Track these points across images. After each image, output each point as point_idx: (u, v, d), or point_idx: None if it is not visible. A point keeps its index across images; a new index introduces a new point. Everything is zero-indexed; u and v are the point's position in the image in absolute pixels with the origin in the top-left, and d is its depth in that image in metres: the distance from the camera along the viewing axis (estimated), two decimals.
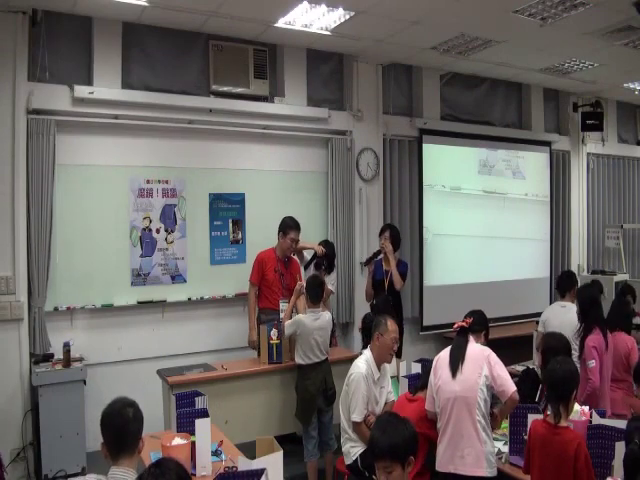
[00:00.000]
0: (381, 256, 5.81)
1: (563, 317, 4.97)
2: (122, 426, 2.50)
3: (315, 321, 4.75)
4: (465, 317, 3.73)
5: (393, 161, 6.97)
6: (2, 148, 4.89)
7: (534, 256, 8.17)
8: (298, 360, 4.78)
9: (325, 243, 5.89)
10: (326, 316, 4.88)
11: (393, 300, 5.55)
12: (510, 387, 3.39)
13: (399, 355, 4.85)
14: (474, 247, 7.53)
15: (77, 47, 5.28)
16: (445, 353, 3.58)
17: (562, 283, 5.42)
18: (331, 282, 5.79)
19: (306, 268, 5.79)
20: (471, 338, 3.59)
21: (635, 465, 2.38)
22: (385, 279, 5.73)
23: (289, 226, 5.42)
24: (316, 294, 4.80)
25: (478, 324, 3.82)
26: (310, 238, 6.08)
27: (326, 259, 5.74)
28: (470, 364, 3.42)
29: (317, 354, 4.76)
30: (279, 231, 5.46)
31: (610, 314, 4.96)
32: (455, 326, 3.61)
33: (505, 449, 3.57)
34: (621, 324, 4.80)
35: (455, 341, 3.58)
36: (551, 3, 5.01)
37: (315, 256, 5.73)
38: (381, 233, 5.89)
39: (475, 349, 3.52)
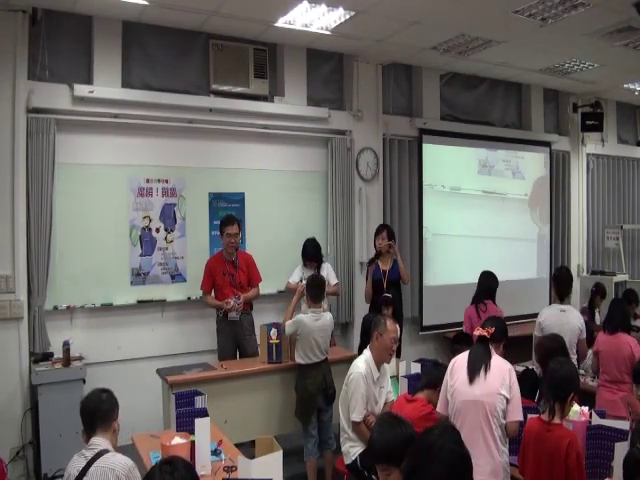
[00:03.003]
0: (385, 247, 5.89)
1: (563, 322, 4.91)
2: (94, 406, 2.82)
3: (316, 321, 4.75)
4: (486, 325, 3.61)
5: (393, 161, 6.97)
6: (2, 147, 4.89)
7: (534, 256, 8.18)
8: (298, 360, 4.78)
9: (307, 242, 5.86)
10: (327, 317, 4.88)
11: (395, 297, 5.60)
12: (517, 415, 3.30)
13: (398, 355, 4.85)
14: (474, 247, 7.53)
15: (77, 46, 5.28)
16: (463, 357, 3.49)
17: (560, 286, 5.35)
18: (332, 276, 5.86)
19: None
20: (492, 349, 3.49)
21: (635, 468, 2.38)
22: (383, 279, 5.81)
23: (224, 223, 5.43)
24: (316, 293, 4.80)
25: (500, 334, 3.76)
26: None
27: (311, 257, 5.79)
28: (493, 373, 3.35)
29: (317, 354, 4.76)
30: (220, 232, 5.49)
31: (610, 315, 4.95)
32: (476, 334, 3.51)
33: None
34: (622, 325, 4.78)
35: (475, 348, 3.47)
36: (551, 3, 5.01)
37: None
38: (378, 233, 5.94)
39: (498, 361, 3.44)
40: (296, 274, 5.84)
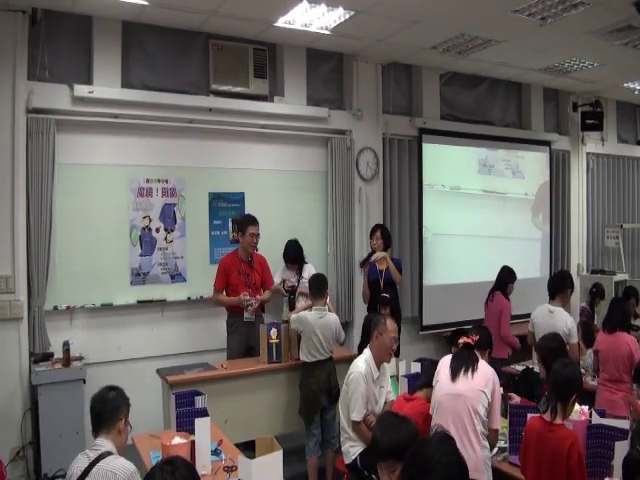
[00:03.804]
0: (375, 256, 5.85)
1: (550, 323, 4.92)
2: (99, 407, 2.81)
3: (320, 319, 4.77)
4: (471, 333, 3.70)
5: (393, 161, 6.97)
6: (2, 147, 4.88)
7: (534, 256, 8.17)
8: (303, 357, 4.81)
9: (288, 243, 5.89)
10: (332, 317, 4.90)
11: (392, 296, 5.60)
12: (497, 423, 3.42)
13: (397, 354, 4.85)
14: (474, 247, 7.53)
15: (77, 46, 5.28)
16: (449, 357, 3.59)
17: (553, 284, 5.37)
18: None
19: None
20: (479, 355, 3.57)
21: (635, 469, 2.38)
22: (380, 279, 5.80)
23: (246, 222, 5.40)
24: (318, 290, 4.85)
25: (484, 342, 3.82)
26: (310, 237, 6.18)
27: (292, 259, 5.84)
28: (479, 373, 3.42)
29: (321, 352, 4.78)
30: (238, 231, 5.47)
31: (609, 314, 4.94)
32: (460, 341, 3.57)
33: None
34: (622, 324, 4.77)
35: (460, 351, 3.55)
36: (551, 3, 5.00)
37: (288, 292, 5.77)
38: (372, 234, 5.94)
39: (485, 365, 3.52)
40: (277, 276, 5.85)
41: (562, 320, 4.97)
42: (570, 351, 4.84)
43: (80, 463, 2.67)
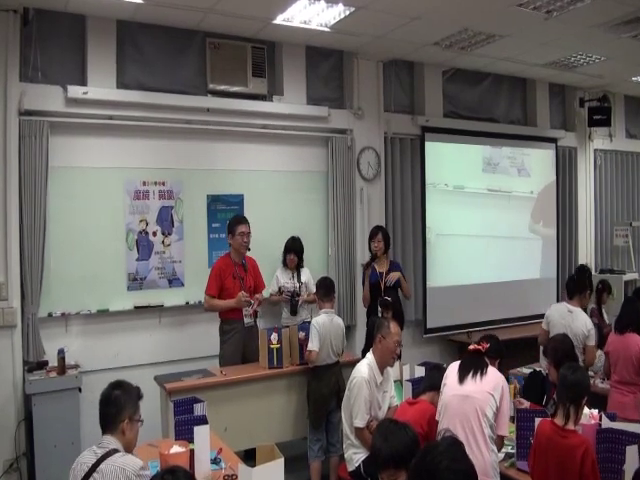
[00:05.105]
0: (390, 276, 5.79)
1: (569, 324, 4.84)
2: (102, 407, 2.81)
3: (330, 322, 4.79)
4: (480, 340, 3.68)
5: (395, 160, 6.88)
6: None
7: (540, 255, 8.06)
8: (317, 362, 4.76)
9: (290, 239, 5.80)
10: (339, 320, 4.93)
11: (394, 299, 5.54)
12: (503, 430, 3.35)
13: (399, 357, 4.79)
14: (478, 247, 7.42)
15: (70, 46, 5.21)
16: (457, 363, 3.55)
17: (573, 284, 5.24)
18: (312, 283, 5.70)
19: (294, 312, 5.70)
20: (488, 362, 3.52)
21: None
22: (380, 281, 5.75)
23: (235, 222, 5.28)
24: (326, 293, 4.85)
25: (494, 351, 3.78)
26: (311, 239, 6.10)
27: (296, 250, 5.75)
28: (488, 378, 3.38)
29: (331, 355, 4.79)
30: (227, 234, 5.36)
31: (621, 314, 4.86)
32: (471, 347, 3.51)
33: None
34: (632, 325, 4.68)
35: (469, 356, 3.49)
36: None
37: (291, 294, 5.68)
38: (373, 236, 5.86)
39: (495, 371, 3.49)
40: (274, 283, 5.75)
41: (582, 321, 4.88)
42: (586, 353, 4.81)
43: (87, 459, 2.66)
